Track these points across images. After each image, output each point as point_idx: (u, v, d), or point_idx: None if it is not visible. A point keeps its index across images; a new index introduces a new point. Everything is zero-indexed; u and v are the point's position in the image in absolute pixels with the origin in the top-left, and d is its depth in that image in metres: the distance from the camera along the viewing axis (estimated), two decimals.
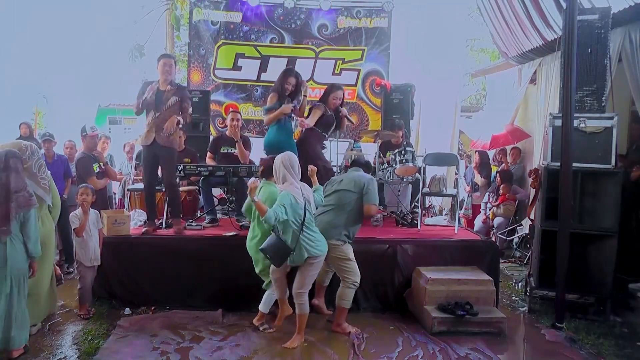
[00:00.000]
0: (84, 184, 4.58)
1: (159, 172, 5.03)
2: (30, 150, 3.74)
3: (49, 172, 4.05)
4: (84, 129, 5.42)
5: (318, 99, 5.40)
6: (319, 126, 5.19)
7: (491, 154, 8.01)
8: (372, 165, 5.86)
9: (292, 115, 5.09)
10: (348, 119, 5.58)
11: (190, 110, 4.88)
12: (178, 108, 4.76)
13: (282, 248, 3.70)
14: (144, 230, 4.87)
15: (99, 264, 4.37)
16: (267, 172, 4.12)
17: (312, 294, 4.35)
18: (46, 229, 3.94)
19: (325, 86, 7.17)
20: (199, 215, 5.70)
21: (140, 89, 4.82)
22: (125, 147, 7.50)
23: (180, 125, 4.85)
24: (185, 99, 4.82)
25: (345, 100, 7.67)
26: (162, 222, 5.13)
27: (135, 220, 5.25)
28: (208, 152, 5.83)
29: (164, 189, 5.24)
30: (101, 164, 5.54)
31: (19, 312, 3.45)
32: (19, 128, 6.30)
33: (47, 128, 8.78)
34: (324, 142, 5.57)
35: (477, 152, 7.81)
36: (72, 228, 4.26)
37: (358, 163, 4.52)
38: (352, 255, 4.10)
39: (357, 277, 4.06)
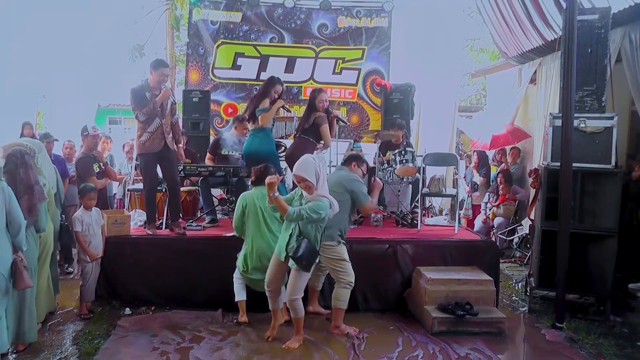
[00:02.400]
0: (85, 184, 4.61)
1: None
2: (34, 146, 3.88)
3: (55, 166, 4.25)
4: (85, 128, 5.41)
5: (306, 107, 5.22)
6: (311, 135, 4.98)
7: (491, 154, 8.01)
8: (372, 164, 5.87)
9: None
10: (340, 119, 5.51)
11: (176, 114, 4.95)
12: (174, 110, 4.83)
13: (314, 253, 3.63)
14: (149, 232, 4.83)
15: (101, 255, 4.39)
16: (259, 180, 4.10)
17: (305, 301, 4.31)
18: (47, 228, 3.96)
19: (327, 85, 7.26)
20: (199, 215, 5.71)
21: (135, 96, 4.63)
22: (125, 147, 7.49)
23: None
24: (173, 100, 4.86)
25: (345, 100, 7.74)
26: (161, 223, 5.13)
27: (136, 221, 5.24)
28: (208, 153, 5.83)
29: (164, 190, 5.25)
30: (101, 164, 5.54)
31: (31, 305, 3.54)
32: (22, 128, 6.31)
33: (47, 128, 8.78)
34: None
35: (475, 152, 7.81)
36: (75, 230, 4.27)
37: (344, 161, 4.48)
38: (346, 256, 4.06)
39: (351, 277, 4.02)
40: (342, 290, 4.00)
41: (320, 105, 5.02)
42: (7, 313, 3.32)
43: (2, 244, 3.16)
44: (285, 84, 7.43)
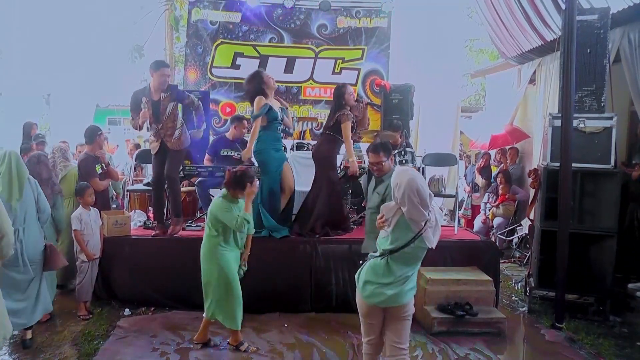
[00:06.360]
0: (80, 183, 4.62)
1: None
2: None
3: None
4: (98, 128, 5.39)
5: (331, 102, 5.03)
6: (335, 132, 4.89)
7: (491, 154, 8.01)
8: None
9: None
10: (371, 104, 5.30)
11: (195, 101, 4.84)
12: (176, 112, 4.76)
13: None
14: (154, 233, 4.83)
15: (98, 257, 4.41)
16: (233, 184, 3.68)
17: None
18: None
19: (327, 85, 7.23)
20: (198, 215, 5.70)
21: (132, 101, 4.72)
22: (128, 147, 7.50)
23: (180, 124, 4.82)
24: (183, 99, 4.78)
25: None
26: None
27: (135, 221, 5.24)
28: (207, 155, 5.81)
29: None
30: (103, 165, 5.53)
31: (52, 281, 4.16)
32: (30, 129, 6.37)
33: (48, 128, 8.79)
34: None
35: (484, 155, 7.80)
36: (74, 229, 4.28)
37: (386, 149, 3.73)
38: None
39: None
40: None
41: (350, 98, 4.98)
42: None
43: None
44: (284, 84, 7.44)
